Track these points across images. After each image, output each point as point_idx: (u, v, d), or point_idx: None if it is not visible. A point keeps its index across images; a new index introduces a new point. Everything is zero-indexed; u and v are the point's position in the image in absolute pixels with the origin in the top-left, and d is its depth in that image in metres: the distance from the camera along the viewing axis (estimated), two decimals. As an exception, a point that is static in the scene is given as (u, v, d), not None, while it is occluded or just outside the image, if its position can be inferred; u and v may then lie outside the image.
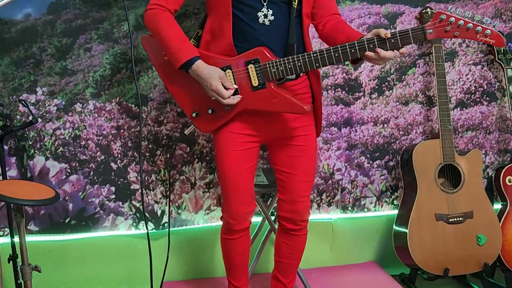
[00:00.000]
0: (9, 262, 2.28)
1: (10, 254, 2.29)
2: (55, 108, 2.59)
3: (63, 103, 2.59)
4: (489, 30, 1.87)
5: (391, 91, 2.94)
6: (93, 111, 2.63)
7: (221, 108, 2.11)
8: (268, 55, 2.02)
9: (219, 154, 2.19)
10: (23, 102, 2.46)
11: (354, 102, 2.91)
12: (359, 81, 2.89)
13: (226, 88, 2.01)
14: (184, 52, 2.03)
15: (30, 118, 2.34)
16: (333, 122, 2.89)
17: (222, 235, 2.34)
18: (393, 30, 1.93)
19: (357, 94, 2.90)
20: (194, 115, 2.17)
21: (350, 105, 2.91)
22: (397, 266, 2.97)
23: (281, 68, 2.01)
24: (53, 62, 2.55)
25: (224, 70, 2.04)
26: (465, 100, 3.03)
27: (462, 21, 1.87)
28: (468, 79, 3.01)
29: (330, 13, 2.20)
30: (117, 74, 2.62)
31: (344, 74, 2.87)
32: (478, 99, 3.04)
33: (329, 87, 2.86)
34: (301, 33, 2.13)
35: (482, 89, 3.04)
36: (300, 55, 2.01)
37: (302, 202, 2.24)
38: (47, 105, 2.58)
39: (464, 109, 3.03)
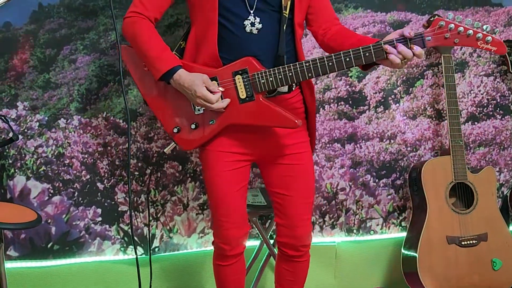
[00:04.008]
0: (-14, 291, 2.26)
1: (-13, 282, 2.27)
2: (37, 124, 2.58)
3: (46, 118, 2.59)
4: (490, 37, 1.89)
5: (397, 104, 2.94)
6: (78, 127, 2.62)
7: (206, 123, 2.09)
8: (257, 66, 2.01)
9: (207, 175, 2.17)
10: (2, 118, 2.45)
11: (358, 116, 2.90)
12: (363, 93, 2.89)
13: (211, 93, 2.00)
14: (164, 61, 2.02)
15: (10, 135, 2.33)
16: (336, 138, 2.89)
17: (214, 261, 2.31)
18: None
19: (361, 107, 2.90)
20: (175, 130, 2.14)
21: (354, 119, 2.90)
22: (406, 293, 2.95)
23: (270, 79, 2.00)
24: (35, 74, 2.55)
25: None
26: (477, 113, 3.03)
27: (462, 27, 1.89)
28: (480, 91, 3.01)
29: (330, 18, 2.20)
30: (104, 88, 2.62)
31: (348, 87, 2.87)
32: (491, 113, 3.04)
33: (332, 101, 2.86)
34: (293, 44, 2.12)
35: (495, 101, 3.04)
36: (291, 64, 1.99)
37: (303, 226, 2.20)
38: (28, 121, 2.57)
39: (476, 123, 3.03)
